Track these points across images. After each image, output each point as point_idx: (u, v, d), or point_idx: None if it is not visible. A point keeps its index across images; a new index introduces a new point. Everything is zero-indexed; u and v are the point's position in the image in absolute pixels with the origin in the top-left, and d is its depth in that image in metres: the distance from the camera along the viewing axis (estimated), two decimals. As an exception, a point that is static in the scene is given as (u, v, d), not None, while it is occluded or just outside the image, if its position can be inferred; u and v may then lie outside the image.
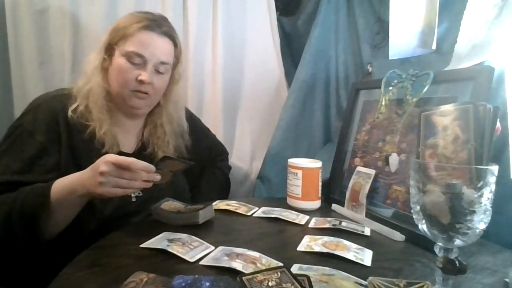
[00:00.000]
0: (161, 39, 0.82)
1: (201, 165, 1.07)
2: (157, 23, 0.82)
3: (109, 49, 0.81)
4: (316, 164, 0.92)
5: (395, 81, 0.82)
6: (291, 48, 1.45)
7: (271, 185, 1.21)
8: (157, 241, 0.63)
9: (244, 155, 1.33)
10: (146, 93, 0.82)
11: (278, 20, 1.39)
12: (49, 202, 0.66)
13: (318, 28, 1.28)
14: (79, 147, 0.77)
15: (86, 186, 0.65)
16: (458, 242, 0.43)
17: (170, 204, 0.78)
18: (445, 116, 0.46)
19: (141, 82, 0.79)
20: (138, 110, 0.86)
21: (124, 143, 0.86)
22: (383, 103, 0.83)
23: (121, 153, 0.82)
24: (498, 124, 0.53)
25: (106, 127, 0.79)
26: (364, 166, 0.87)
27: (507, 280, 0.53)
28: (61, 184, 0.67)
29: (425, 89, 0.73)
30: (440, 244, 0.45)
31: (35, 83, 1.09)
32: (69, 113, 0.76)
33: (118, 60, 0.80)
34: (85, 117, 0.78)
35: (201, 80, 1.30)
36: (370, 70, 1.16)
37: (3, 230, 0.66)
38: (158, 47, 0.82)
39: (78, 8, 1.12)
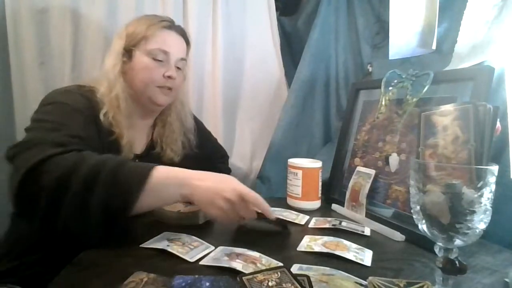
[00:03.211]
0: (178, 37, 0.88)
1: (201, 167, 1.07)
2: (172, 23, 0.88)
3: (128, 52, 0.83)
4: (316, 164, 0.92)
5: (395, 81, 0.82)
6: (291, 48, 1.45)
7: (271, 185, 1.22)
8: (157, 241, 0.63)
9: (244, 155, 1.33)
10: (170, 89, 0.86)
11: (278, 20, 1.39)
12: (148, 180, 0.60)
13: (318, 28, 1.28)
14: (101, 147, 0.77)
15: (196, 194, 0.62)
16: (458, 242, 0.43)
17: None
18: (445, 116, 0.46)
19: (169, 77, 0.84)
20: (161, 106, 0.89)
21: (136, 144, 0.87)
22: (383, 103, 0.83)
23: (134, 156, 0.85)
24: (498, 124, 0.53)
25: (127, 134, 0.80)
26: (364, 166, 0.87)
27: (507, 280, 0.53)
28: (163, 171, 0.63)
29: (425, 89, 0.73)
30: (440, 244, 0.45)
31: (35, 83, 1.09)
32: (101, 116, 0.76)
33: (142, 59, 0.82)
34: (110, 123, 0.78)
35: (201, 80, 1.30)
36: (370, 70, 1.16)
37: (82, 184, 0.57)
38: (178, 44, 0.88)
39: (78, 8, 1.12)
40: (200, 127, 1.07)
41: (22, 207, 0.59)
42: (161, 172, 0.62)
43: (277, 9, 1.38)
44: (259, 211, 0.65)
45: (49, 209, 0.56)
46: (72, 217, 0.56)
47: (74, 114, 0.71)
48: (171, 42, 0.85)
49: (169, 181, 0.62)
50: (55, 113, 0.70)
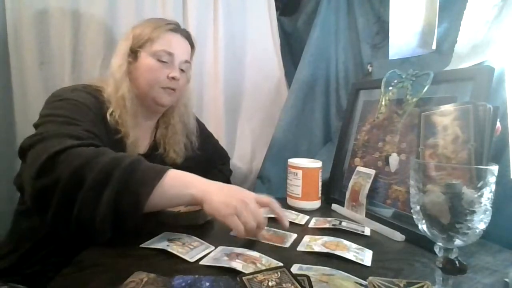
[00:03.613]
0: (183, 40, 0.90)
1: (203, 168, 1.08)
2: (178, 27, 0.89)
3: (133, 53, 0.84)
4: (316, 164, 0.92)
5: (395, 81, 0.82)
6: (291, 48, 1.45)
7: (271, 185, 1.21)
8: (157, 241, 0.63)
9: (244, 155, 1.33)
10: (173, 90, 0.87)
11: (278, 20, 1.39)
12: (160, 179, 0.60)
13: (318, 28, 1.28)
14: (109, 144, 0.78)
15: (208, 196, 0.61)
16: (458, 242, 0.43)
17: (170, 204, 0.78)
18: (445, 116, 0.46)
19: (173, 78, 0.85)
20: (164, 107, 0.90)
21: (139, 144, 0.87)
22: (383, 103, 0.83)
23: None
24: (498, 124, 0.53)
25: (132, 133, 0.81)
26: (364, 166, 0.87)
27: (507, 280, 0.53)
28: (179, 172, 0.64)
29: (425, 89, 0.73)
30: (440, 244, 0.45)
31: (35, 83, 1.09)
32: (108, 115, 0.77)
33: (147, 60, 0.84)
34: (116, 122, 0.79)
35: (202, 80, 1.30)
36: (370, 70, 1.16)
37: (96, 183, 0.56)
38: (183, 47, 0.89)
39: (78, 8, 1.12)
40: (201, 129, 1.07)
41: (37, 200, 0.59)
42: (175, 174, 0.63)
43: (277, 9, 1.38)
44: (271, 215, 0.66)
45: (63, 203, 0.56)
46: (84, 212, 0.56)
47: (85, 110, 0.72)
48: (176, 44, 0.87)
49: (181, 182, 0.63)
50: (67, 108, 0.71)
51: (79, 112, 0.71)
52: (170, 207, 0.73)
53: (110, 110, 0.78)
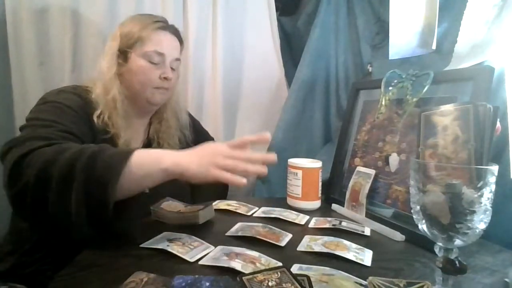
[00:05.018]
0: (173, 37, 0.88)
1: None
2: (166, 24, 0.88)
3: (123, 53, 0.83)
4: (316, 164, 0.92)
5: (395, 81, 0.82)
6: (291, 48, 1.45)
7: (271, 185, 1.21)
8: (157, 241, 0.63)
9: (244, 155, 1.33)
10: (166, 88, 0.87)
11: (278, 20, 1.39)
12: (127, 161, 0.58)
13: (318, 28, 1.28)
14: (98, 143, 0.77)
15: (182, 164, 0.59)
16: (458, 242, 0.43)
17: (170, 204, 0.78)
18: (445, 116, 0.46)
19: (166, 79, 0.84)
20: (157, 106, 0.90)
21: (132, 142, 0.87)
22: (383, 103, 0.83)
23: None
24: (498, 124, 0.53)
25: (124, 135, 0.80)
26: (364, 166, 0.87)
27: (507, 280, 0.53)
28: (145, 151, 0.62)
29: (425, 89, 0.73)
30: (440, 244, 0.45)
31: (35, 83, 1.09)
32: (95, 118, 0.76)
33: (138, 62, 0.83)
34: (105, 123, 0.78)
35: (201, 80, 1.30)
36: (370, 70, 1.16)
37: (64, 174, 0.56)
38: (173, 45, 0.88)
39: (79, 8, 1.12)
40: (196, 125, 1.07)
41: (13, 204, 0.60)
42: (141, 153, 0.60)
43: (277, 9, 1.38)
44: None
45: (36, 204, 0.56)
46: (57, 209, 0.56)
47: (67, 111, 0.72)
48: (166, 43, 0.86)
49: (150, 160, 0.60)
50: (48, 111, 0.71)
51: (60, 114, 0.70)
52: (144, 188, 0.68)
53: (97, 112, 0.77)
